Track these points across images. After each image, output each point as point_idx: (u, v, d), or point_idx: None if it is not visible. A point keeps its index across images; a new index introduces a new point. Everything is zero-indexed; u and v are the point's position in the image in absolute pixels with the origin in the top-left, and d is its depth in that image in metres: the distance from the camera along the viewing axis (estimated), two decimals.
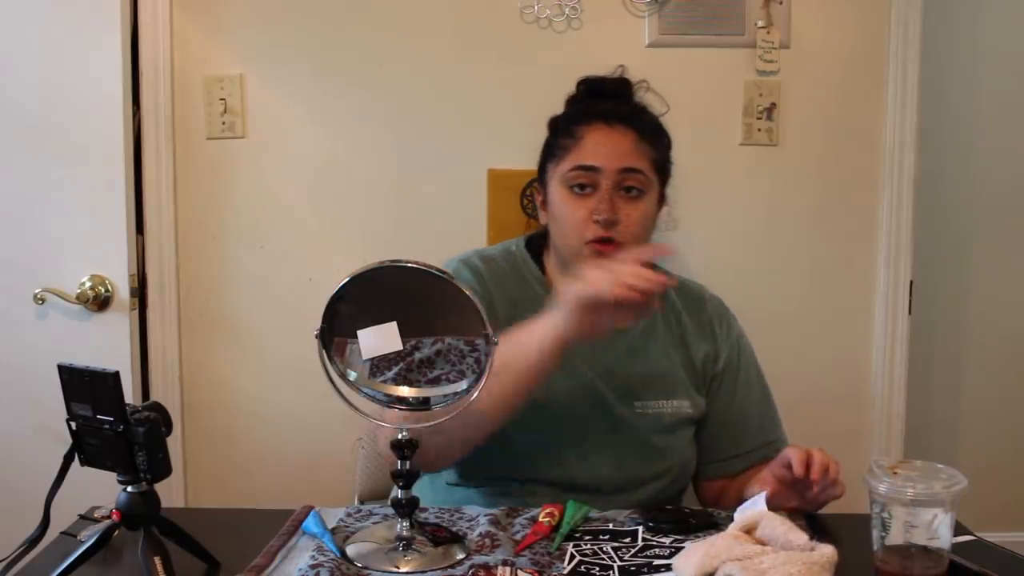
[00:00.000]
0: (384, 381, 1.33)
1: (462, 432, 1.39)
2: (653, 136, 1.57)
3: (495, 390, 1.33)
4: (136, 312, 2.07)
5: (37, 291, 1.99)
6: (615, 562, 1.19)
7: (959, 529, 1.20)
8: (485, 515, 1.34)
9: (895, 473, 1.15)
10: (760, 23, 2.08)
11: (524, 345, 1.36)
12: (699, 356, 1.60)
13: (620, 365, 1.56)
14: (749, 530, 1.13)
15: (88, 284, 2.00)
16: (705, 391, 1.61)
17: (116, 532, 1.16)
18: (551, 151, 1.59)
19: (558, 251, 1.58)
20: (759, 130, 2.11)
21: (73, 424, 1.15)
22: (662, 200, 1.60)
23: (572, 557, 1.21)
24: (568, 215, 1.52)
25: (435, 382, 1.33)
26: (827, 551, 1.06)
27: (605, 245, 1.49)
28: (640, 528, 1.30)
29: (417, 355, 1.37)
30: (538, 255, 1.64)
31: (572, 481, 1.50)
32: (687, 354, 1.60)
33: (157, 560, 1.11)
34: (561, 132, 1.59)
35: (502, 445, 1.44)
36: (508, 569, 1.14)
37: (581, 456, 1.51)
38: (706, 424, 1.61)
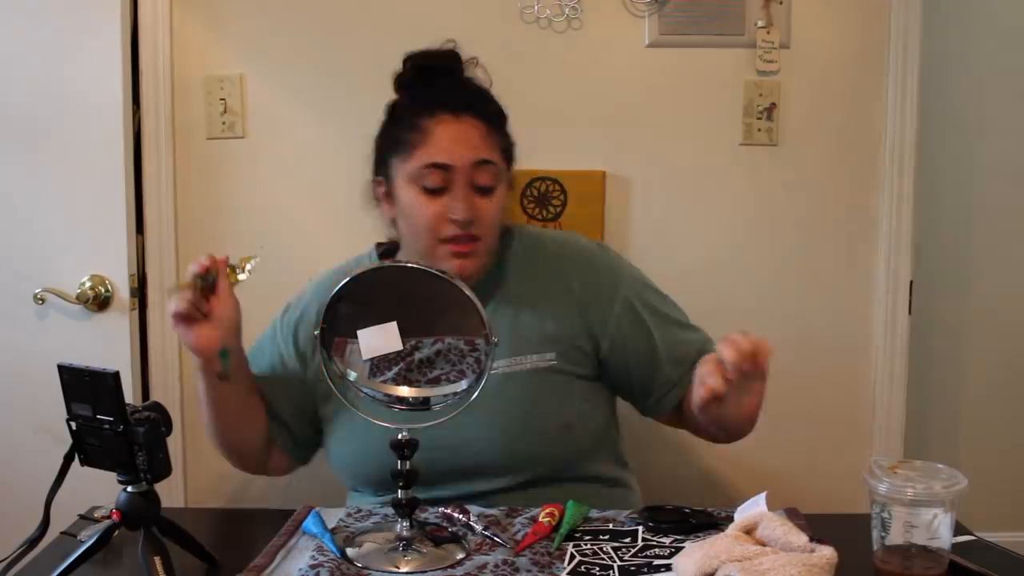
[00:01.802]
0: (384, 381, 1.33)
1: (229, 440, 1.56)
2: (499, 122, 1.53)
3: (208, 412, 1.51)
4: (136, 312, 2.06)
5: (37, 291, 1.98)
6: (615, 562, 1.19)
7: (959, 529, 1.20)
8: (485, 515, 1.34)
9: (895, 473, 1.15)
10: (760, 23, 2.08)
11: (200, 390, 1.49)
12: (561, 318, 1.54)
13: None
14: (749, 530, 1.13)
15: (88, 284, 2.00)
16: (602, 339, 1.54)
17: (116, 532, 1.16)
18: (395, 145, 1.50)
19: (411, 250, 1.53)
20: (759, 130, 2.11)
21: (73, 424, 1.15)
22: (510, 186, 1.56)
23: (572, 557, 1.21)
24: (421, 214, 1.46)
25: (435, 382, 1.33)
26: (827, 552, 1.06)
27: (464, 244, 1.46)
28: (640, 528, 1.30)
29: (417, 355, 1.38)
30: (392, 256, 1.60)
31: (467, 464, 1.47)
32: (541, 318, 1.53)
33: (157, 560, 1.11)
34: (404, 124, 1.50)
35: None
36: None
37: (449, 437, 1.41)
38: (633, 367, 1.56)
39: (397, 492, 1.24)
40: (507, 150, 1.53)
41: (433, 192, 1.45)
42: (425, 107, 1.49)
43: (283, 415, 1.57)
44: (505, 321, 1.51)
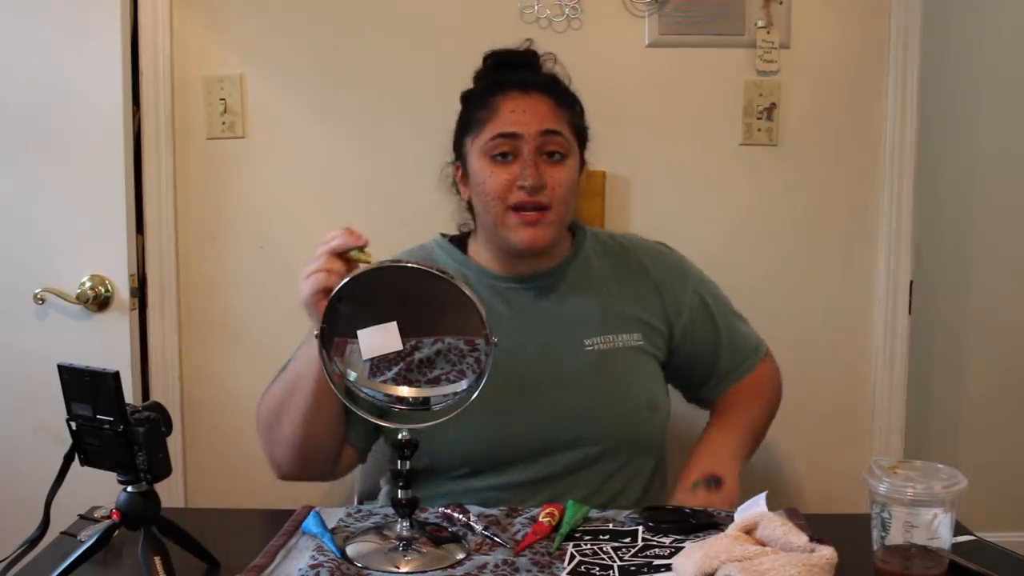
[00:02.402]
0: (384, 381, 1.33)
1: (317, 436, 1.46)
2: (569, 101, 1.58)
3: (299, 406, 1.41)
4: (136, 312, 2.07)
5: (37, 291, 1.98)
6: (615, 562, 1.19)
7: (959, 529, 1.20)
8: (485, 515, 1.34)
9: (895, 473, 1.15)
10: (760, 23, 2.08)
11: (305, 359, 1.39)
12: (644, 298, 1.62)
13: (553, 313, 1.56)
14: (749, 530, 1.13)
15: (88, 284, 2.00)
16: (676, 325, 1.62)
17: (116, 532, 1.16)
18: (468, 125, 1.57)
19: (484, 226, 1.56)
20: (759, 130, 2.11)
21: (73, 424, 1.15)
22: (583, 165, 1.60)
23: (572, 557, 1.21)
24: (490, 182, 1.50)
25: (435, 382, 1.33)
26: (827, 553, 1.06)
27: (533, 212, 1.49)
28: (640, 528, 1.30)
29: (417, 355, 1.38)
30: (461, 246, 1.64)
31: (552, 437, 1.51)
32: (627, 297, 1.60)
33: (157, 560, 1.11)
34: (476, 105, 1.56)
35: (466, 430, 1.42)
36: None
37: (549, 409, 1.51)
38: (699, 355, 1.65)
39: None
40: (578, 128, 1.58)
41: (503, 161, 1.50)
42: (497, 88, 1.55)
43: None
44: (596, 301, 1.58)
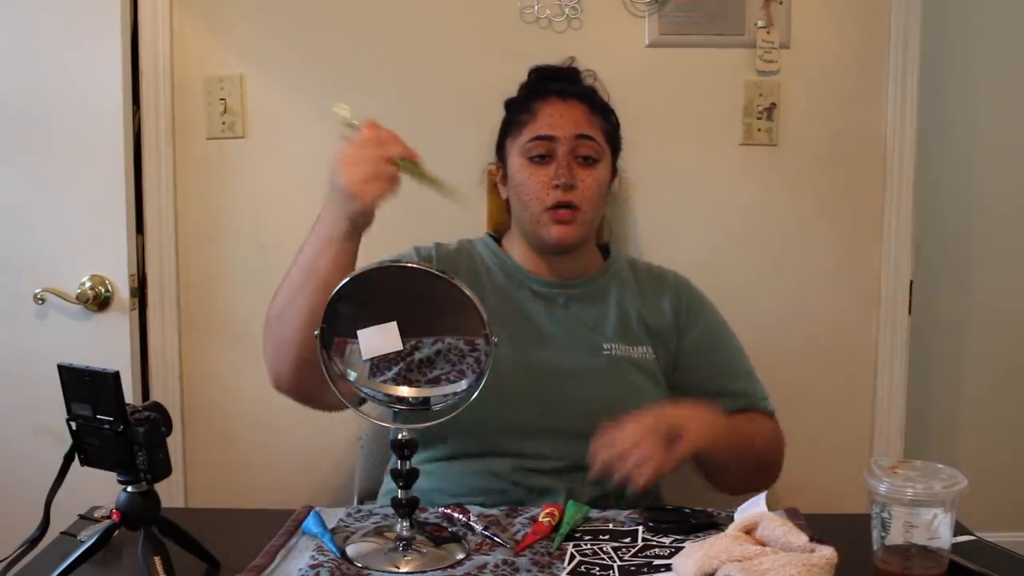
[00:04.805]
0: (384, 381, 1.33)
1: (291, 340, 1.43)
2: (603, 111, 1.70)
3: (312, 293, 1.38)
4: (136, 312, 2.06)
5: (37, 291, 1.99)
6: (615, 562, 1.19)
7: (959, 529, 1.20)
8: (485, 515, 1.34)
9: (895, 473, 1.15)
10: (760, 23, 2.08)
11: (317, 244, 1.43)
12: (661, 313, 1.68)
13: (578, 318, 1.65)
14: (749, 530, 1.13)
15: (88, 284, 2.00)
16: (680, 346, 1.67)
17: (116, 532, 1.16)
18: (509, 127, 1.70)
19: (520, 223, 1.68)
20: (759, 130, 2.11)
21: (73, 424, 1.15)
22: (614, 171, 1.72)
23: (572, 557, 1.21)
24: (528, 182, 1.63)
25: (435, 382, 1.33)
26: (827, 552, 1.06)
27: (564, 211, 1.60)
28: (640, 528, 1.30)
29: (417, 355, 1.37)
30: (497, 243, 1.75)
31: (561, 423, 1.53)
32: (645, 311, 1.67)
33: (157, 560, 1.11)
34: (518, 109, 1.70)
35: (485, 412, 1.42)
36: None
37: (566, 397, 1.56)
38: (688, 369, 1.67)
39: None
40: (610, 135, 1.69)
41: (540, 162, 1.63)
42: (537, 94, 1.69)
43: None
44: (616, 313, 1.66)
